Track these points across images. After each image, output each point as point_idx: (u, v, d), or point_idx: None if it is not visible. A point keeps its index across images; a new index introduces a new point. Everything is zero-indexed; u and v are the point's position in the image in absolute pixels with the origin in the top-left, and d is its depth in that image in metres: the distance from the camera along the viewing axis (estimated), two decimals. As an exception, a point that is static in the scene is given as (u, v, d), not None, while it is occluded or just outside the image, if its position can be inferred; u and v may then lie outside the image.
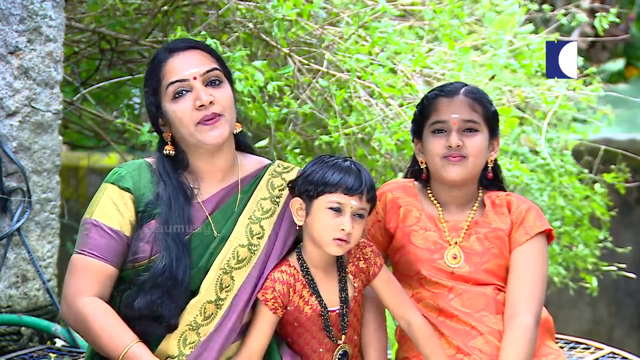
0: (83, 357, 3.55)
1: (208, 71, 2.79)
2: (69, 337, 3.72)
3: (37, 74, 3.73)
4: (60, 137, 3.87)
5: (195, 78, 2.77)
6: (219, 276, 2.78)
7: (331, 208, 2.75)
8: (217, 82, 2.80)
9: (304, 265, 2.83)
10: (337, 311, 2.84)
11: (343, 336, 2.85)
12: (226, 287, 2.78)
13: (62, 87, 3.86)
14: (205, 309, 2.76)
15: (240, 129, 2.89)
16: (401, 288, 2.91)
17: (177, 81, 2.77)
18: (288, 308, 2.81)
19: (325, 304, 2.82)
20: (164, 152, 2.84)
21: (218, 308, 2.77)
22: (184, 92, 2.78)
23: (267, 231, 2.85)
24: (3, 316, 3.71)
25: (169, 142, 2.84)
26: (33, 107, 3.72)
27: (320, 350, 2.84)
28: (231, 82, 2.88)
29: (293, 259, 2.85)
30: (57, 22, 3.78)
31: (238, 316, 2.78)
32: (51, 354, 3.60)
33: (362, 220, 2.78)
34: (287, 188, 2.87)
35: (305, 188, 2.78)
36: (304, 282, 2.82)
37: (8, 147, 3.67)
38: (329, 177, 2.75)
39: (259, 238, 2.84)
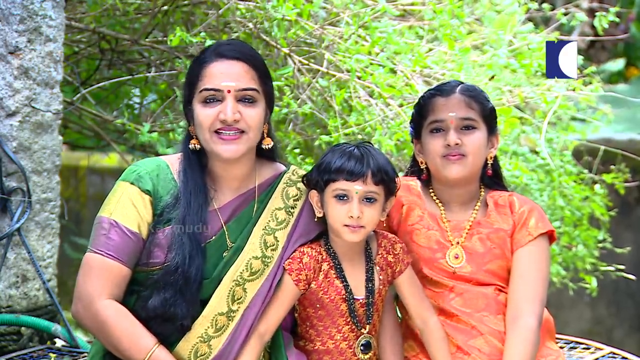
0: (83, 357, 3.55)
1: (244, 89, 2.77)
2: (69, 337, 3.72)
3: (37, 74, 3.73)
4: (60, 137, 3.87)
5: (229, 92, 2.75)
6: (231, 288, 2.77)
7: (337, 196, 2.75)
8: (250, 101, 2.78)
9: (331, 249, 2.83)
10: (362, 300, 2.83)
11: (367, 326, 2.84)
12: (238, 299, 2.77)
13: (62, 87, 3.86)
14: (216, 320, 2.75)
15: (271, 144, 2.86)
16: (422, 288, 2.92)
17: (211, 89, 2.76)
18: (312, 285, 2.80)
19: (350, 290, 2.81)
20: (190, 146, 2.82)
21: (230, 320, 2.76)
22: (214, 100, 2.76)
23: (281, 242, 2.84)
24: (3, 316, 3.71)
25: (194, 137, 2.83)
26: (33, 107, 3.72)
27: (338, 337, 2.83)
28: (269, 102, 2.84)
29: (320, 244, 2.85)
30: (57, 22, 3.78)
31: (249, 329, 2.77)
32: (51, 354, 3.60)
33: (374, 204, 2.76)
34: (303, 183, 2.86)
35: (316, 179, 2.79)
36: (331, 264, 2.81)
37: (8, 147, 3.67)
38: (331, 164, 2.75)
39: (272, 250, 2.82)
